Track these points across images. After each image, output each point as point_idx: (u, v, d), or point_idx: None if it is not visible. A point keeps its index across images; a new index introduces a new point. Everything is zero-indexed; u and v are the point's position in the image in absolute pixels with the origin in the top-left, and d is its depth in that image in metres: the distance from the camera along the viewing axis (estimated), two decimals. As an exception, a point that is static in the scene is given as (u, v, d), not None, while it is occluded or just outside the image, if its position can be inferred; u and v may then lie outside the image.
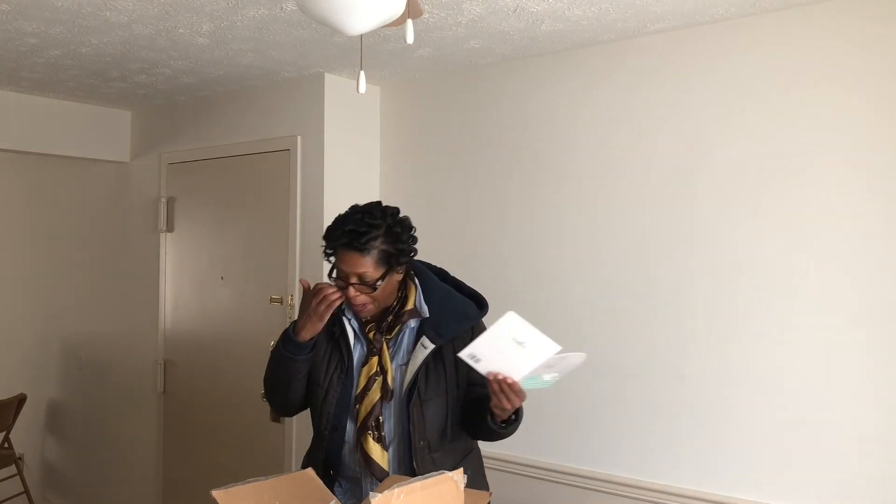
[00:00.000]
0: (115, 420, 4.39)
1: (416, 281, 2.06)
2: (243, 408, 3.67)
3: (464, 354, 1.81)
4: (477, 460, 2.17)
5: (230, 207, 3.78)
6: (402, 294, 2.03)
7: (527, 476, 3.02)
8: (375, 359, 2.01)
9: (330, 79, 3.38)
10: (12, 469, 4.66)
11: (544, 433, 3.00)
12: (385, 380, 1.99)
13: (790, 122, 2.51)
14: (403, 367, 2.01)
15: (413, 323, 2.02)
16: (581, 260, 2.95)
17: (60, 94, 3.85)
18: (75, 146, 4.09)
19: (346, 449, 2.02)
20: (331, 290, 1.96)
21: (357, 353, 2.04)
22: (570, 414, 2.96)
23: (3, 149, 3.88)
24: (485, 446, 2.21)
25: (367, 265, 1.91)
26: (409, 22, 1.69)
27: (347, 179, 3.46)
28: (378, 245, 1.91)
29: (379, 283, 1.93)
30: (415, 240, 2.02)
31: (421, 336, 1.99)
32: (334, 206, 3.37)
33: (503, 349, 1.78)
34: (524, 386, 1.84)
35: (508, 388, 1.82)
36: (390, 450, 1.99)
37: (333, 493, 1.83)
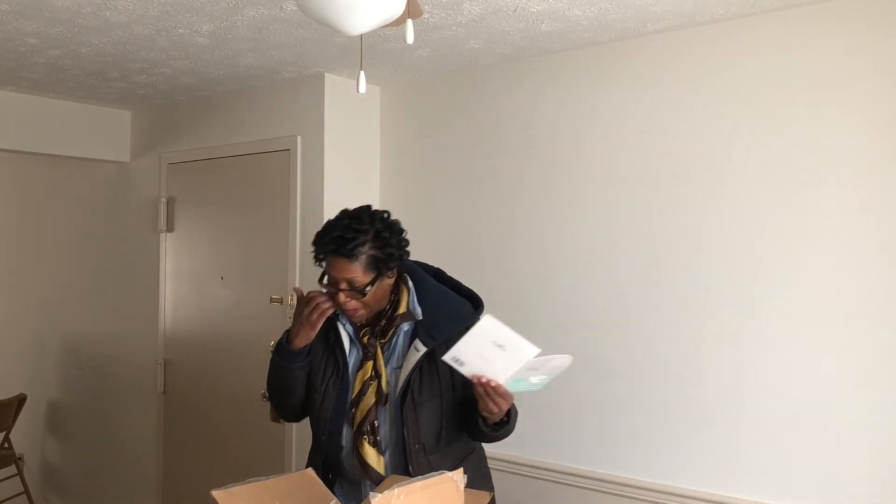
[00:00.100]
0: (115, 420, 4.39)
1: (410, 283, 2.05)
2: (243, 408, 3.67)
3: (447, 357, 1.81)
4: (478, 461, 2.16)
5: (230, 207, 3.78)
6: (394, 297, 2.02)
7: (527, 476, 3.02)
8: (370, 363, 2.00)
9: (330, 79, 3.38)
10: (12, 469, 4.66)
11: (544, 433, 3.00)
12: (380, 384, 1.99)
13: (791, 121, 2.51)
14: (398, 370, 2.00)
15: (406, 326, 2.01)
16: (580, 260, 2.95)
17: (60, 94, 3.85)
18: (75, 146, 4.09)
19: (344, 453, 2.02)
20: (322, 299, 1.97)
21: (353, 357, 2.04)
22: (570, 414, 2.96)
23: (2, 149, 3.88)
24: (485, 446, 2.21)
25: (356, 271, 1.91)
26: (409, 22, 1.69)
27: (347, 179, 3.46)
28: (366, 251, 1.90)
29: (368, 288, 1.92)
30: (405, 243, 2.01)
31: (415, 339, 1.98)
32: (334, 206, 3.35)
33: (484, 352, 1.77)
34: (511, 388, 1.83)
35: (492, 390, 1.81)
36: (386, 454, 1.99)
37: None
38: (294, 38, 2.87)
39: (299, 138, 3.45)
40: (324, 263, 1.96)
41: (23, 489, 4.68)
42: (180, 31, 2.78)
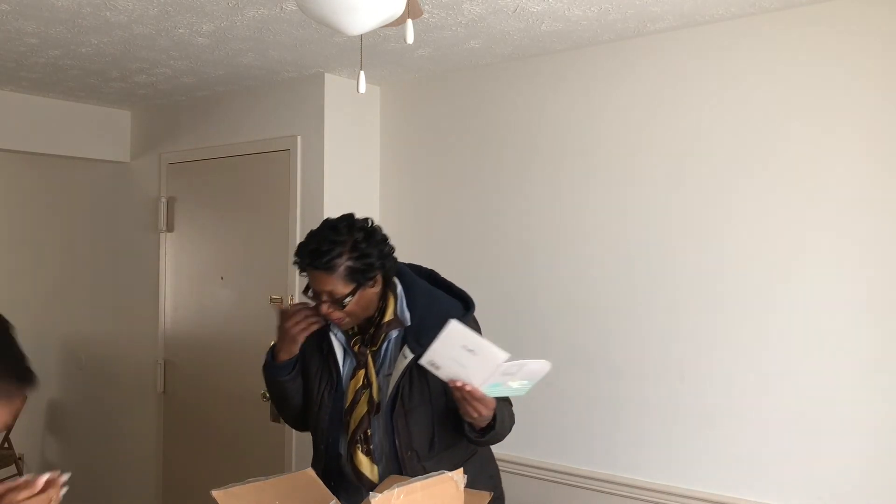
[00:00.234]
0: (115, 420, 4.39)
1: (399, 288, 2.02)
2: (243, 408, 3.67)
3: (423, 361, 1.80)
4: (481, 464, 2.11)
5: (230, 207, 3.78)
6: (382, 304, 2.00)
7: (527, 476, 3.02)
8: (362, 372, 2.00)
9: (330, 79, 3.38)
10: (12, 469, 4.66)
11: (544, 433, 3.00)
12: (371, 392, 1.98)
13: (791, 121, 2.51)
14: (388, 377, 1.99)
15: (396, 332, 1.99)
16: (579, 259, 2.95)
17: (60, 94, 3.84)
18: (75, 146, 4.09)
19: (343, 461, 2.03)
20: (302, 315, 1.98)
21: (346, 366, 2.04)
22: (570, 414, 2.96)
23: (3, 149, 3.88)
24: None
25: (335, 283, 1.90)
26: (409, 22, 1.68)
27: (347, 179, 3.46)
28: (343, 262, 1.89)
29: (348, 299, 1.90)
30: (388, 251, 1.98)
31: (405, 345, 1.97)
32: (334, 206, 3.38)
33: (457, 357, 1.76)
34: (491, 394, 1.81)
35: (468, 394, 1.78)
36: (382, 462, 1.98)
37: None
38: (294, 38, 2.87)
39: (299, 138, 3.45)
40: (304, 274, 1.96)
41: (23, 489, 4.68)
42: (180, 31, 2.78)
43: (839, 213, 2.42)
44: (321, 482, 1.75)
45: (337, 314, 1.94)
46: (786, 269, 2.51)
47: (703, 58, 2.69)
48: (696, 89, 2.70)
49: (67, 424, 4.73)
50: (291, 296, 3.44)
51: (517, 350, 3.13)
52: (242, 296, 3.69)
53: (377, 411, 1.98)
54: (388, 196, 3.55)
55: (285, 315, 2.01)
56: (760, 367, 2.55)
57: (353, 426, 1.99)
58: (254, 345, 3.57)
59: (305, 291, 1.98)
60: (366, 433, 1.98)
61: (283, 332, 2.02)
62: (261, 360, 2.13)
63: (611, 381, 2.86)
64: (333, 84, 3.39)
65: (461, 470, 1.62)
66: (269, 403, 3.42)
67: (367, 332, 2.01)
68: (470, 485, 1.67)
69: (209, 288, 3.86)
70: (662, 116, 2.77)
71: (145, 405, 4.18)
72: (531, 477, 3.02)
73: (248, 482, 1.65)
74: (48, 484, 1.41)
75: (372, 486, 1.94)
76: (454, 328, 1.73)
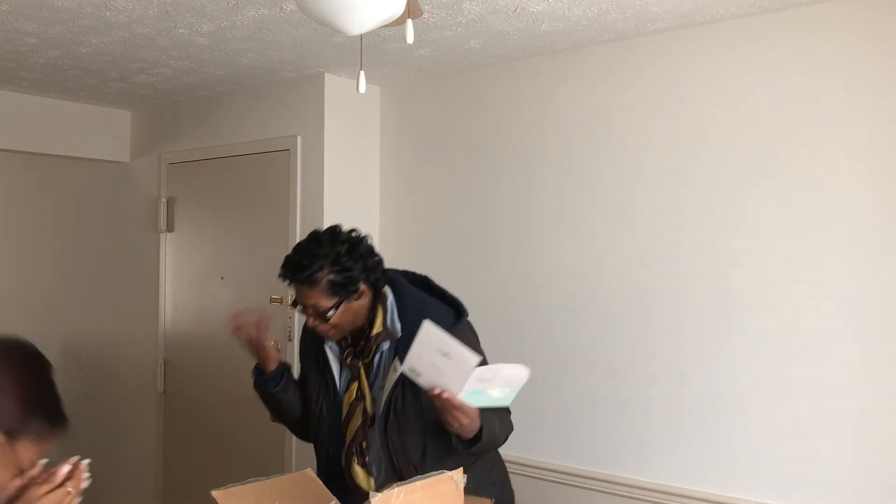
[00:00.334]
0: (115, 420, 4.39)
1: (390, 298, 2.00)
2: (243, 408, 3.66)
3: (404, 368, 1.78)
4: (482, 471, 2.04)
5: (230, 207, 3.78)
6: (371, 316, 1.98)
7: (527, 476, 3.02)
8: (355, 384, 1.99)
9: (330, 79, 3.38)
10: (12, 469, 4.65)
11: (544, 433, 3.00)
12: (365, 405, 1.97)
13: (791, 121, 2.51)
14: (382, 390, 1.97)
15: (387, 344, 1.97)
16: (580, 260, 2.95)
17: (60, 94, 3.84)
18: (75, 146, 4.09)
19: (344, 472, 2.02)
20: (235, 322, 2.01)
21: (343, 379, 2.03)
22: (570, 414, 2.96)
23: (3, 149, 3.88)
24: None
25: (317, 297, 1.90)
26: (409, 22, 1.68)
27: (347, 179, 3.46)
28: (324, 276, 1.88)
29: (331, 313, 1.90)
30: (373, 263, 1.96)
31: (396, 356, 1.95)
32: (334, 206, 3.38)
33: (434, 362, 1.73)
34: (472, 403, 1.77)
35: (447, 402, 1.74)
36: (380, 474, 1.96)
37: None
38: (294, 38, 2.87)
39: (299, 138, 3.45)
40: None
41: (23, 489, 4.68)
42: (180, 31, 2.78)
43: (839, 213, 2.42)
44: (321, 482, 1.75)
45: (322, 327, 1.93)
46: (786, 269, 2.51)
47: (703, 58, 2.69)
48: (696, 89, 2.70)
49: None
50: (291, 295, 3.44)
51: (518, 350, 3.15)
52: (242, 296, 3.69)
53: (372, 423, 1.96)
54: (387, 196, 3.55)
55: (232, 327, 2.04)
56: (761, 368, 2.55)
57: (348, 438, 1.99)
58: (254, 345, 3.57)
59: (293, 304, 1.98)
60: (361, 446, 1.97)
61: (242, 343, 2.04)
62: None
63: (612, 382, 2.86)
64: (333, 84, 3.39)
65: (461, 469, 1.62)
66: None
67: (358, 344, 2.00)
68: (473, 492, 1.67)
69: (209, 288, 3.86)
70: (662, 116, 2.77)
71: (145, 405, 4.18)
72: (532, 477, 3.02)
73: (248, 482, 1.65)
74: (69, 474, 1.40)
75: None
76: (427, 329, 1.71)
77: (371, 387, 1.98)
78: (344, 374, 2.03)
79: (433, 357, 1.73)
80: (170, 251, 4.05)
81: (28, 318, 4.97)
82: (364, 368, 1.99)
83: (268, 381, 2.08)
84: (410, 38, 1.68)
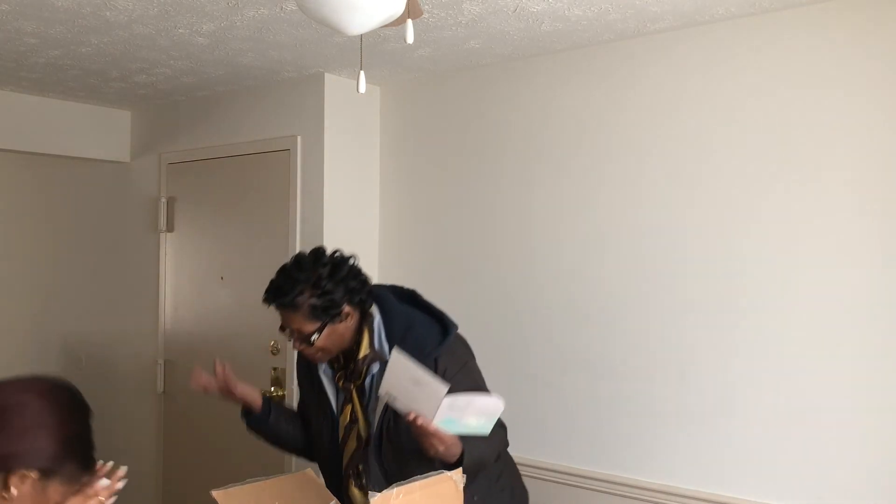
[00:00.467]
0: (115, 420, 4.39)
1: (376, 319, 1.97)
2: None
3: (382, 392, 1.78)
4: (489, 483, 2.02)
5: (230, 207, 3.78)
6: (359, 338, 1.96)
7: (527, 476, 3.00)
8: (349, 407, 1.98)
9: (330, 79, 3.38)
10: (12, 469, 4.65)
11: (544, 433, 3.00)
12: (359, 428, 1.97)
13: (791, 121, 2.51)
14: (374, 413, 1.96)
15: (376, 366, 1.95)
16: (580, 260, 2.95)
17: (60, 94, 3.84)
18: (75, 146, 4.09)
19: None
20: (200, 382, 2.07)
21: (338, 402, 2.03)
22: (570, 414, 2.96)
23: (3, 149, 3.88)
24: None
25: (299, 321, 1.89)
26: (409, 22, 1.68)
27: (347, 179, 3.46)
28: (306, 300, 1.87)
29: (314, 337, 1.88)
30: (357, 286, 1.93)
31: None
32: (334, 206, 3.39)
33: (407, 388, 1.72)
34: (448, 430, 1.74)
35: (421, 428, 1.71)
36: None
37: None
38: (294, 38, 2.87)
39: (299, 138, 3.45)
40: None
41: (23, 489, 4.67)
42: (180, 31, 2.78)
43: (840, 213, 2.42)
44: (321, 482, 1.75)
45: (308, 350, 1.93)
46: (787, 268, 2.51)
47: (704, 58, 2.69)
48: (696, 89, 2.70)
49: (67, 424, 4.72)
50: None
51: (518, 350, 3.15)
52: (242, 296, 3.69)
53: (367, 446, 1.96)
54: (387, 196, 3.55)
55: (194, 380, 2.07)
56: (762, 368, 2.55)
57: (345, 461, 1.99)
58: (254, 345, 3.57)
59: (281, 329, 1.97)
60: (357, 468, 1.96)
61: (217, 397, 2.08)
62: (261, 359, 2.14)
63: (612, 382, 2.85)
64: (333, 84, 3.39)
65: (460, 469, 1.63)
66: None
67: (349, 367, 1.98)
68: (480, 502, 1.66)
69: (209, 288, 3.86)
70: (662, 116, 2.77)
71: (145, 405, 4.18)
72: (532, 477, 3.01)
73: (248, 482, 1.65)
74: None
75: None
76: (395, 359, 1.71)
77: (364, 409, 1.97)
78: (339, 397, 2.03)
79: (406, 384, 1.72)
80: (170, 251, 4.05)
81: (28, 317, 4.97)
82: (356, 391, 1.98)
83: (259, 420, 2.10)
84: (410, 38, 1.68)
